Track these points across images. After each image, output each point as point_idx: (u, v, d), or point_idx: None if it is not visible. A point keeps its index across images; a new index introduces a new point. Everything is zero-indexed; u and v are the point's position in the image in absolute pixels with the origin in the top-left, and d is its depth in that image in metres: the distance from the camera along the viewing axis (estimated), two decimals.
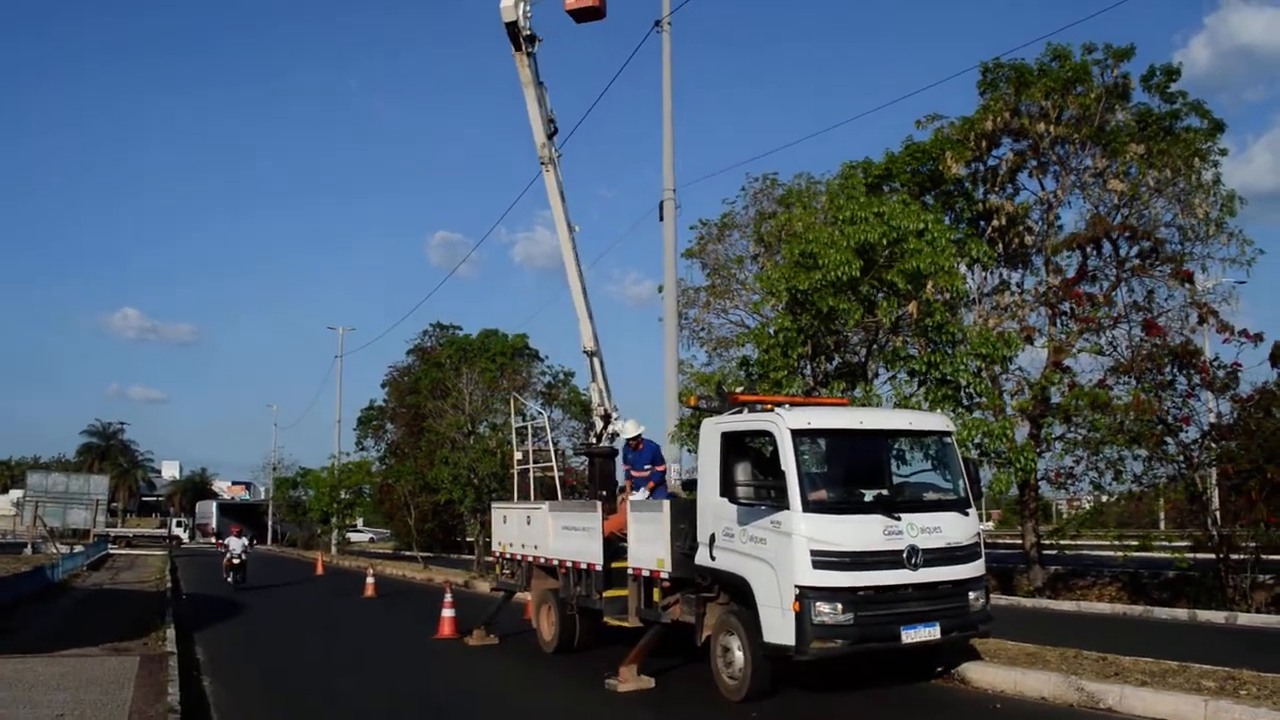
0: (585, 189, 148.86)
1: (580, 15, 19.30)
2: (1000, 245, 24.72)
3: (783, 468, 10.32)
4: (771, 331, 20.39)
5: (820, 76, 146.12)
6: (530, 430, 18.62)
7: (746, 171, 31.34)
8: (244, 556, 30.53)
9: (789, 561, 9.98)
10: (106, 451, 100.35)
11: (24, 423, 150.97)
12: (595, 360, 17.74)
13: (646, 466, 14.74)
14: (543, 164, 17.81)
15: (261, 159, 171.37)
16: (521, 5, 17.22)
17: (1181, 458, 20.48)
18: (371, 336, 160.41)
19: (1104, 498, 26.31)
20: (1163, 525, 29.72)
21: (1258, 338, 20.22)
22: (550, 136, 17.78)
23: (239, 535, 31.38)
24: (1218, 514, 20.62)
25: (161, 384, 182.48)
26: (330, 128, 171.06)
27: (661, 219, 22.91)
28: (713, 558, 11.18)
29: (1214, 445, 20.21)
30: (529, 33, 17.43)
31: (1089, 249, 24.34)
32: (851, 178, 24.79)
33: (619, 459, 15.99)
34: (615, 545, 13.47)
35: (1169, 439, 20.51)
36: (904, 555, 10.19)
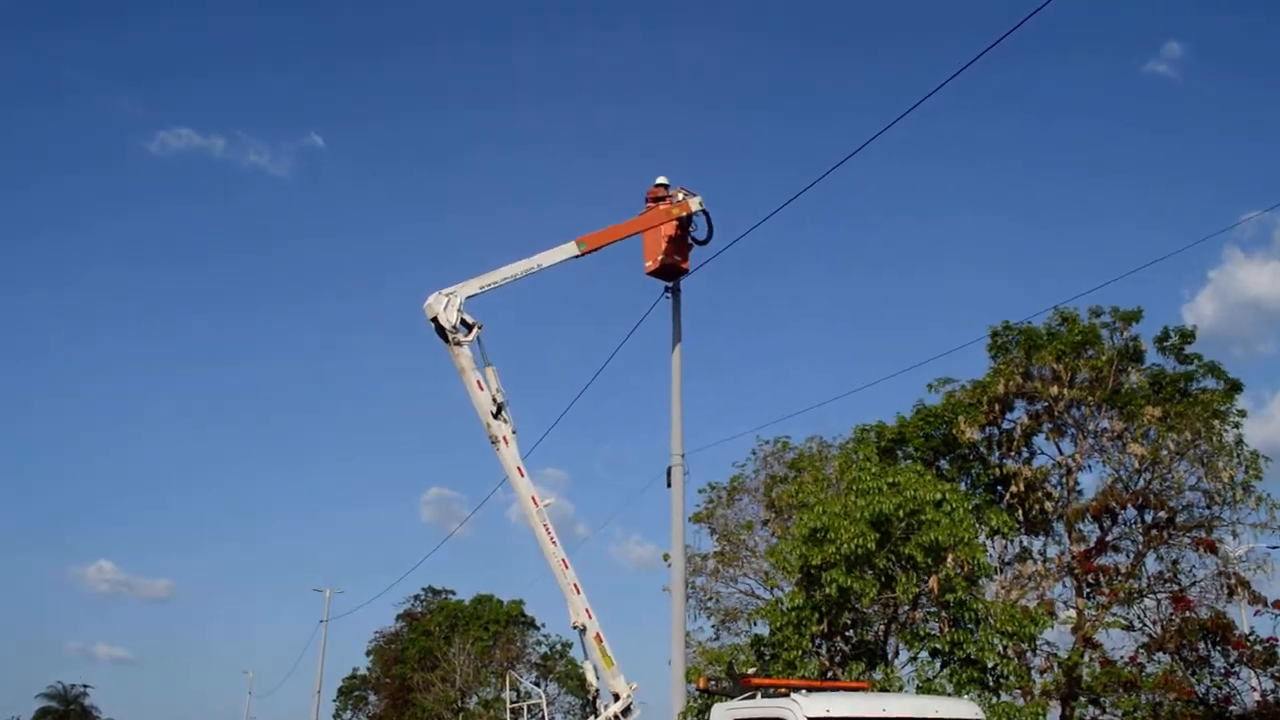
0: (588, 446, 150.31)
1: (665, 274, 21.17)
2: (1020, 512, 25.16)
3: None
4: (784, 608, 20.39)
5: (831, 339, 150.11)
6: (525, 709, 18.57)
7: (757, 434, 32.56)
8: None
9: None
10: (65, 716, 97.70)
11: None
12: (588, 635, 17.90)
13: None
14: (492, 442, 18.45)
15: (256, 418, 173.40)
16: (447, 299, 18.25)
17: None
18: (359, 600, 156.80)
19: None
20: None
21: None
22: (496, 414, 18.49)
23: None
24: None
25: (130, 643, 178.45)
26: (329, 397, 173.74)
27: (669, 485, 23.18)
28: None
29: None
30: (455, 322, 18.37)
31: (1104, 519, 24.81)
32: (864, 442, 25.56)
33: None
34: None
35: None
36: None
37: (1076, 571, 24.61)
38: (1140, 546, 24.57)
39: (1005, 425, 26.24)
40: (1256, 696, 20.81)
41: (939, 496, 19.87)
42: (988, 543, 23.80)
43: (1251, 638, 20.62)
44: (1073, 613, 24.26)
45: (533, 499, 18.55)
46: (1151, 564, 24.44)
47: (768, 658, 20.71)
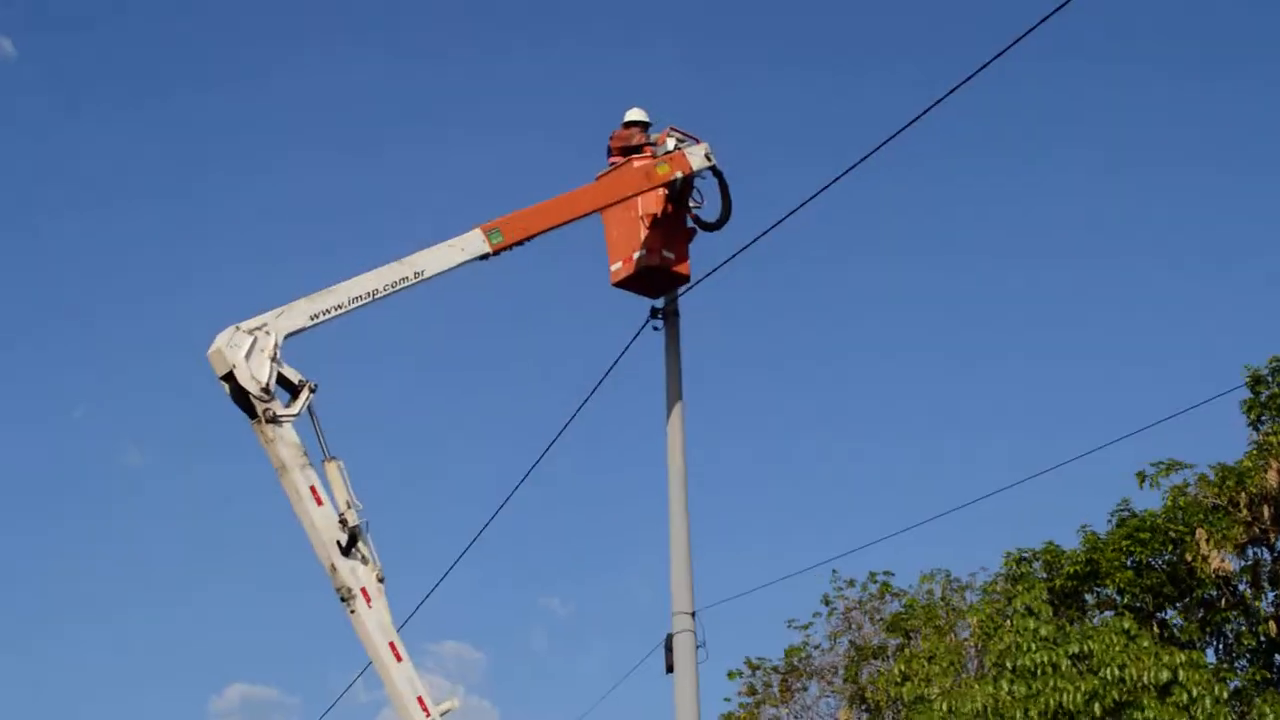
0: (521, 598, 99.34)
1: (647, 284, 15.17)
2: None
3: None
4: None
5: (948, 390, 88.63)
6: None
7: (833, 569, 24.82)
8: None
9: None
10: None
11: None
12: None
13: None
14: (343, 599, 11.63)
15: None
16: (251, 340, 11.73)
17: None
18: None
19: None
20: None
21: None
22: (347, 548, 11.49)
23: None
24: None
25: None
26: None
27: (670, 668, 15.55)
28: None
29: None
30: (267, 381, 11.76)
31: None
32: (1025, 579, 20.21)
33: None
34: None
35: None
36: None
37: None
38: None
39: None
40: None
41: (1167, 676, 15.98)
42: None
43: None
44: None
45: (419, 701, 11.71)
46: None
47: None
